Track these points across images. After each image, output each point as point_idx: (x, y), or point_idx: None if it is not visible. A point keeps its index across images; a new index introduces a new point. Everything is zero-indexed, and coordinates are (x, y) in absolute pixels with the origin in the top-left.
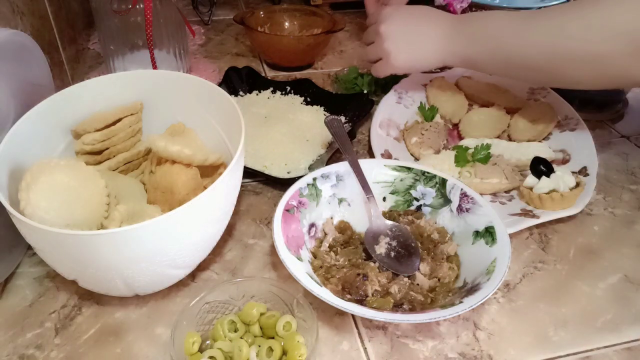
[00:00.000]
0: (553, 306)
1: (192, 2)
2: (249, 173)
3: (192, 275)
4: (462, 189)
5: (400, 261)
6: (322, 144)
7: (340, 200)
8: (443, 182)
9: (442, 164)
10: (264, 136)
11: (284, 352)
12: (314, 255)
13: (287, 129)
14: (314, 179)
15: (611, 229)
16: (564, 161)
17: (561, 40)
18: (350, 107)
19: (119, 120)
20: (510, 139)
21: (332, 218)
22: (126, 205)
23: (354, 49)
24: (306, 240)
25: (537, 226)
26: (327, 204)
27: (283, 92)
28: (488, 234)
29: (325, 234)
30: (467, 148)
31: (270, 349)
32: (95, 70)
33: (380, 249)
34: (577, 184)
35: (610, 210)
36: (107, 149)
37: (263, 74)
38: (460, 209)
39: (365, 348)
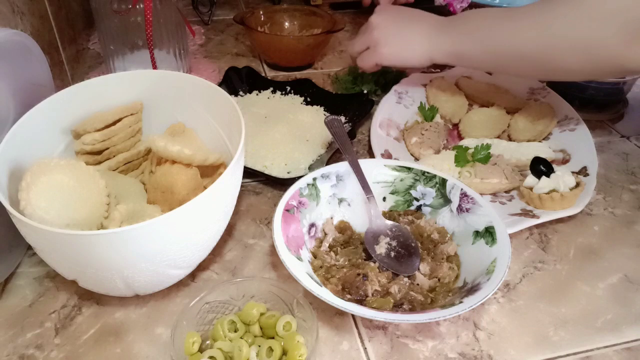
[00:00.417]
0: (553, 306)
1: (192, 2)
2: (249, 173)
3: (192, 275)
4: (462, 189)
5: (400, 261)
6: (322, 144)
7: (340, 200)
8: (443, 182)
9: (442, 164)
10: (264, 136)
11: (284, 352)
12: (314, 255)
13: (287, 129)
14: (314, 179)
15: (611, 229)
16: (564, 161)
17: (551, 27)
18: (350, 107)
19: (119, 120)
20: (510, 139)
21: (332, 218)
22: (126, 205)
23: None
24: (306, 240)
25: (537, 226)
26: (327, 204)
27: (283, 92)
28: (488, 234)
29: (325, 234)
30: (467, 148)
31: (270, 349)
32: (95, 70)
33: (380, 249)
34: (577, 184)
35: (610, 210)
36: (107, 149)
37: (263, 74)
38: (460, 209)
39: (365, 348)
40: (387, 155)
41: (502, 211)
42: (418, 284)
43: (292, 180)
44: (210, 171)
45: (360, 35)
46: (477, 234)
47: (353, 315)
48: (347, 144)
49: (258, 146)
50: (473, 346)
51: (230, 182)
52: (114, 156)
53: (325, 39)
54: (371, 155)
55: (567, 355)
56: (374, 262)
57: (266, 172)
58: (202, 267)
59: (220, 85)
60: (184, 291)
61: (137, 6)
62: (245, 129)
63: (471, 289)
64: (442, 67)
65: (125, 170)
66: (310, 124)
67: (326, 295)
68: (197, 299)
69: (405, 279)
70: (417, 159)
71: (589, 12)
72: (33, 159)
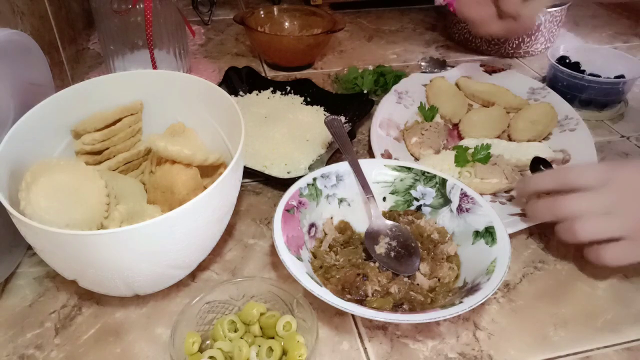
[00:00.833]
0: (553, 306)
1: (192, 2)
2: (249, 173)
3: (192, 275)
4: (462, 189)
5: (400, 261)
6: (322, 144)
7: (340, 200)
8: (443, 182)
9: (442, 164)
10: (264, 136)
11: (284, 352)
12: (314, 255)
13: (287, 129)
14: (314, 179)
15: None
16: (564, 161)
17: None
18: (350, 107)
19: (119, 120)
20: (510, 139)
21: (332, 218)
22: (126, 205)
23: (354, 49)
24: (306, 240)
25: (537, 226)
26: (327, 204)
27: (283, 92)
28: (488, 234)
29: (325, 234)
30: (467, 148)
31: (270, 349)
32: (95, 70)
33: (380, 249)
34: None
35: None
36: (107, 149)
37: (263, 74)
38: (460, 209)
39: (365, 348)
40: (387, 155)
41: (502, 211)
42: (418, 284)
43: (292, 180)
44: (210, 171)
45: (565, 173)
46: (477, 234)
47: (353, 315)
48: (347, 144)
49: (258, 146)
50: (473, 346)
51: (230, 182)
52: (114, 156)
53: (325, 39)
54: (371, 155)
55: (567, 355)
56: (374, 262)
57: (266, 172)
58: (202, 267)
59: (220, 85)
60: (184, 291)
61: (137, 6)
62: (245, 129)
63: (471, 289)
64: (442, 67)
65: (125, 170)
66: (310, 124)
67: (326, 295)
68: (197, 299)
69: (405, 279)
70: (417, 159)
71: None
72: (33, 159)
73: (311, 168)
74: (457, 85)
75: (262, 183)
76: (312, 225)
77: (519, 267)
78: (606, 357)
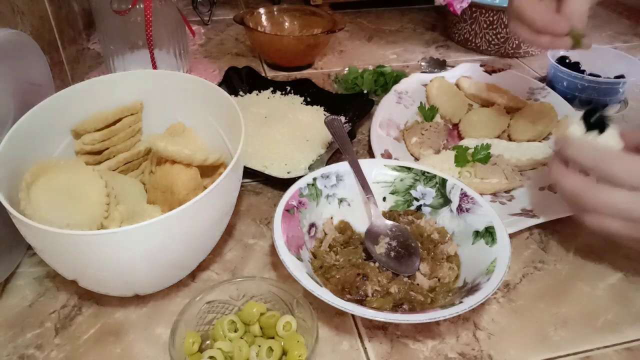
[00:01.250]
0: (553, 306)
1: (192, 2)
2: (249, 173)
3: (192, 275)
4: (462, 189)
5: (400, 261)
6: (322, 144)
7: (340, 200)
8: (443, 182)
9: (442, 164)
10: (264, 136)
11: (284, 352)
12: (314, 255)
13: (287, 129)
14: (314, 179)
15: None
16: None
17: None
18: (350, 107)
19: (119, 120)
20: (510, 139)
21: (332, 218)
22: (126, 205)
23: (354, 49)
24: (306, 240)
25: (537, 226)
26: (327, 204)
27: (283, 92)
28: (488, 234)
29: (325, 234)
30: (467, 148)
31: (270, 349)
32: (95, 70)
33: (380, 249)
34: None
35: None
36: (107, 149)
37: (263, 74)
38: (460, 209)
39: (365, 348)
40: (387, 155)
41: (502, 211)
42: (418, 284)
43: (292, 180)
44: (210, 171)
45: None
46: (477, 234)
47: (353, 315)
48: (347, 144)
49: (258, 146)
50: (473, 346)
51: (230, 182)
52: (114, 156)
53: (325, 39)
54: (371, 155)
55: (567, 355)
56: (374, 262)
57: (266, 172)
58: (202, 267)
59: (220, 85)
60: (184, 291)
61: (137, 6)
62: (245, 129)
63: (471, 289)
64: (442, 67)
65: (125, 170)
66: (310, 124)
67: (326, 295)
68: (197, 299)
69: (405, 279)
70: (417, 159)
71: None
72: (33, 159)
73: (311, 168)
74: (457, 85)
75: (262, 183)
76: (312, 225)
77: (519, 267)
78: (606, 357)
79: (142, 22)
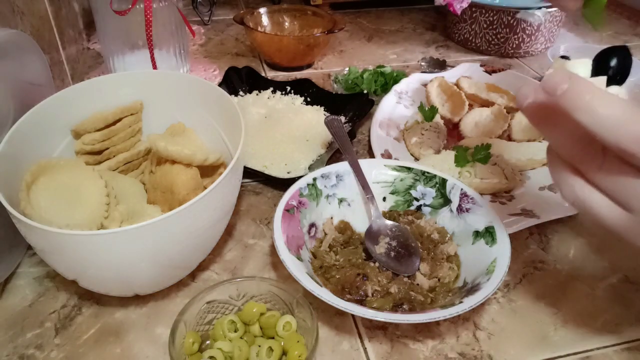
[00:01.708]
0: (553, 306)
1: (192, 2)
2: (249, 173)
3: (192, 275)
4: (462, 189)
5: (400, 261)
6: (322, 144)
7: (340, 200)
8: (443, 182)
9: (442, 164)
10: (264, 136)
11: (284, 352)
12: (314, 255)
13: (287, 129)
14: (314, 179)
15: None
16: None
17: None
18: (350, 107)
19: (119, 120)
20: (510, 139)
21: (332, 218)
22: (126, 205)
23: (354, 49)
24: (306, 240)
25: (537, 226)
26: (327, 204)
27: (283, 92)
28: (488, 234)
29: (325, 234)
30: (467, 148)
31: (270, 349)
32: (95, 70)
33: (380, 249)
34: None
35: None
36: (107, 149)
37: (263, 74)
38: (460, 209)
39: (365, 348)
40: (387, 155)
41: (502, 211)
42: (418, 284)
43: (292, 180)
44: (210, 171)
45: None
46: (477, 234)
47: (353, 315)
48: (347, 144)
49: (258, 146)
50: (473, 346)
51: (230, 182)
52: (114, 156)
53: (325, 39)
54: (371, 155)
55: (567, 355)
56: (374, 262)
57: (266, 172)
58: (202, 267)
59: (220, 85)
60: (184, 291)
61: (137, 6)
62: (245, 129)
63: (471, 289)
64: (442, 67)
65: (125, 170)
66: (310, 124)
67: (326, 295)
68: (197, 299)
69: (405, 279)
70: (417, 159)
71: None
72: (33, 159)
73: (311, 168)
74: (457, 85)
75: (262, 183)
76: (312, 225)
77: (519, 267)
78: (606, 357)
79: (142, 22)
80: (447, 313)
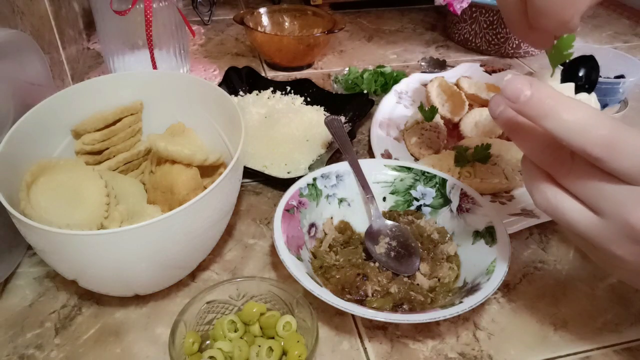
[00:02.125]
0: (553, 306)
1: (192, 2)
2: (249, 173)
3: (192, 275)
4: (462, 189)
5: (400, 261)
6: (322, 144)
7: (340, 200)
8: (443, 182)
9: (442, 164)
10: (264, 136)
11: (284, 352)
12: (314, 255)
13: (287, 129)
14: (314, 179)
15: None
16: None
17: None
18: (350, 107)
19: (119, 120)
20: (510, 139)
21: (332, 218)
22: (126, 205)
23: (354, 49)
24: (306, 240)
25: (537, 226)
26: (327, 204)
27: (283, 92)
28: (488, 234)
29: (325, 234)
30: (467, 148)
31: (270, 349)
32: (95, 70)
33: (380, 249)
34: None
35: None
36: (107, 149)
37: (263, 74)
38: (460, 209)
39: (365, 348)
40: (387, 155)
41: (502, 211)
42: (418, 284)
43: (292, 180)
44: (210, 171)
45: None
46: (477, 234)
47: (353, 315)
48: (347, 144)
49: (258, 146)
50: (473, 346)
51: (230, 182)
52: (114, 156)
53: (325, 39)
54: (371, 155)
55: (567, 355)
56: (374, 262)
57: (266, 172)
58: (202, 267)
59: (220, 85)
60: (184, 291)
61: (137, 6)
62: (245, 129)
63: (471, 289)
64: (442, 67)
65: (125, 170)
66: (310, 124)
67: (326, 295)
68: (197, 299)
69: (405, 279)
70: (417, 159)
71: None
72: (33, 159)
73: (311, 168)
74: (457, 85)
75: (262, 183)
76: (312, 225)
77: (519, 267)
78: (606, 357)
79: (142, 22)
80: (447, 313)
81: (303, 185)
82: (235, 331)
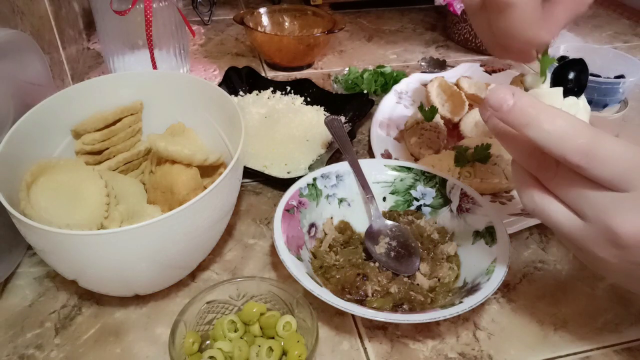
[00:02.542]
0: (553, 306)
1: (192, 2)
2: (249, 173)
3: (192, 275)
4: (462, 189)
5: (400, 261)
6: (322, 144)
7: (340, 200)
8: (443, 182)
9: (442, 164)
10: (264, 136)
11: (284, 352)
12: (314, 255)
13: (287, 129)
14: (314, 179)
15: None
16: None
17: None
18: (350, 107)
19: (119, 120)
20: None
21: (332, 218)
22: (126, 205)
23: (354, 49)
24: (306, 240)
25: (537, 226)
26: (327, 204)
27: (283, 92)
28: (488, 234)
29: (325, 234)
30: (467, 148)
31: (270, 349)
32: (95, 70)
33: (380, 249)
34: None
35: None
36: (107, 149)
37: (263, 74)
38: (460, 209)
39: (365, 348)
40: (387, 155)
41: (502, 211)
42: (418, 284)
43: (292, 180)
44: (210, 171)
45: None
46: (477, 234)
47: (353, 315)
48: (347, 144)
49: (258, 146)
50: (473, 346)
51: (230, 182)
52: (114, 156)
53: (325, 39)
54: (371, 155)
55: (567, 355)
56: (374, 262)
57: (266, 172)
58: (202, 267)
59: (220, 85)
60: (184, 291)
61: (137, 6)
62: (245, 129)
63: (471, 289)
64: (442, 67)
65: (125, 170)
66: (310, 124)
67: (326, 295)
68: (197, 299)
69: (405, 279)
70: (417, 159)
71: None
72: (33, 159)
73: (311, 168)
74: (457, 85)
75: (262, 183)
76: (312, 225)
77: (519, 267)
78: (606, 357)
79: (142, 22)
80: (447, 313)
81: (303, 185)
82: (235, 331)
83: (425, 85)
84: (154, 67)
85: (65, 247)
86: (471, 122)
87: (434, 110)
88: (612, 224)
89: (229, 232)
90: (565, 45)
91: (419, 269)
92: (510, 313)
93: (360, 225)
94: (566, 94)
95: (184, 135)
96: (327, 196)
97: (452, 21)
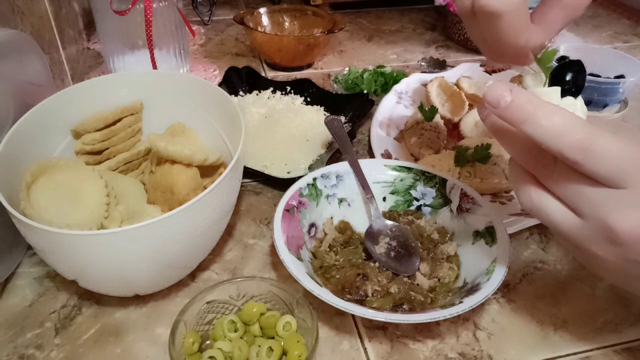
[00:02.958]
0: (553, 306)
1: (192, 2)
2: (249, 173)
3: (192, 275)
4: (462, 189)
5: (400, 261)
6: (322, 144)
7: (340, 200)
8: (443, 182)
9: (442, 164)
10: (264, 136)
11: (284, 352)
12: (314, 255)
13: (287, 129)
14: (314, 179)
15: None
16: None
17: None
18: (350, 107)
19: (119, 120)
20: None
21: (332, 218)
22: (126, 205)
23: (354, 49)
24: (306, 240)
25: (537, 226)
26: (327, 204)
27: (283, 92)
28: (488, 234)
29: (325, 234)
30: (467, 148)
31: (270, 349)
32: (95, 70)
33: (380, 249)
34: None
35: None
36: (107, 149)
37: (263, 74)
38: (460, 208)
39: (365, 348)
40: (387, 155)
41: (502, 211)
42: (418, 284)
43: (292, 180)
44: (210, 171)
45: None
46: (477, 234)
47: (353, 315)
48: (347, 144)
49: (258, 146)
50: (473, 346)
51: (230, 182)
52: (114, 156)
53: (325, 39)
54: (371, 155)
55: (567, 355)
56: (374, 262)
57: (266, 172)
58: (202, 267)
59: (220, 85)
60: (184, 291)
61: (137, 6)
62: (245, 129)
63: (471, 289)
64: (442, 67)
65: (125, 170)
66: (310, 124)
67: (326, 295)
68: (197, 299)
69: (405, 279)
70: (417, 159)
71: None
72: (33, 159)
73: (311, 168)
74: (457, 85)
75: (262, 183)
76: (312, 225)
77: (519, 267)
78: (606, 357)
79: (142, 22)
80: (447, 313)
81: (303, 185)
82: (235, 331)
83: (425, 85)
84: (154, 67)
85: (65, 247)
86: (471, 122)
87: (434, 110)
88: (609, 220)
89: (229, 232)
90: (565, 45)
91: (419, 269)
92: (510, 313)
93: (360, 225)
94: (564, 94)
95: (184, 135)
96: (327, 196)
97: (452, 21)
